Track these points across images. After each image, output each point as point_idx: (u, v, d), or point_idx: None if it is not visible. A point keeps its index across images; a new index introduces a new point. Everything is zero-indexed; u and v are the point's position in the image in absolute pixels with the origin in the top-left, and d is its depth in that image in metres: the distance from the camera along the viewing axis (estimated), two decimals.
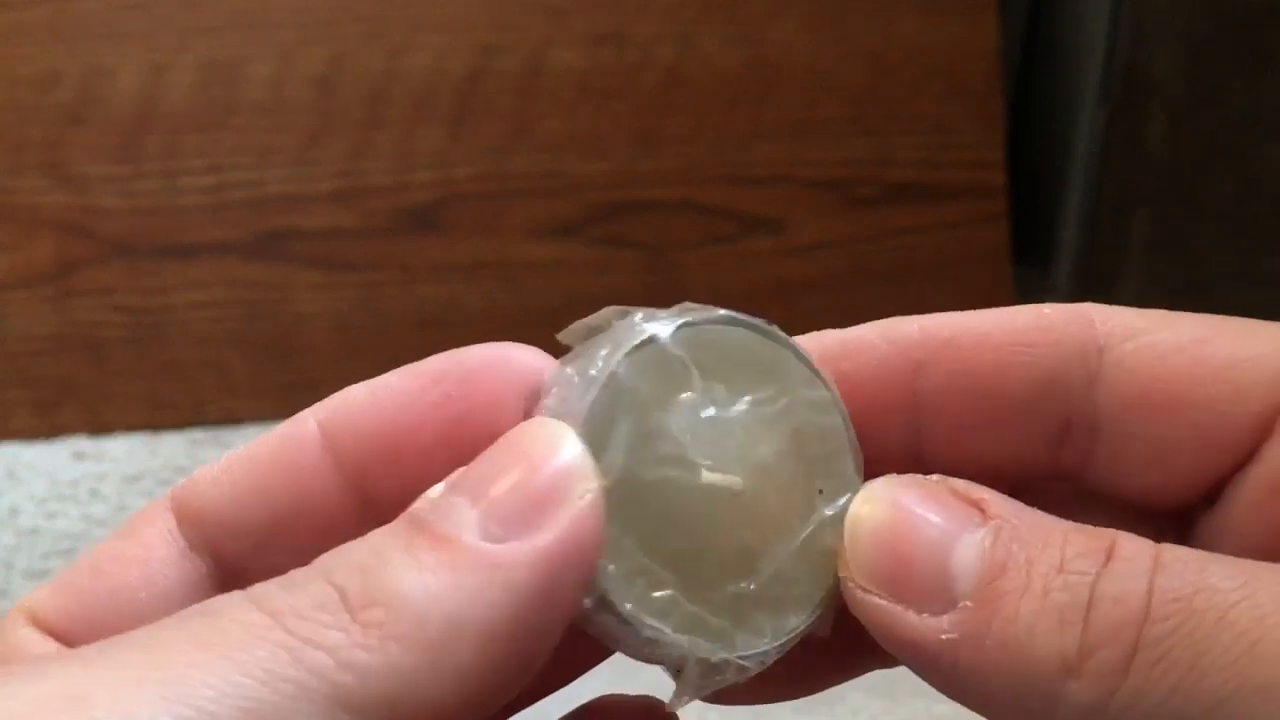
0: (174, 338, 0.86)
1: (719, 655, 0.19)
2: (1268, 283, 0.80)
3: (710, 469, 0.19)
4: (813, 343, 0.22)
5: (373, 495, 0.20)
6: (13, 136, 0.83)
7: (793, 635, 0.20)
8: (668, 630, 0.19)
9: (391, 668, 0.15)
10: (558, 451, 0.17)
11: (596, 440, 0.18)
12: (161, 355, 0.85)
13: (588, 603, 0.18)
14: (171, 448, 0.83)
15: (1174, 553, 0.17)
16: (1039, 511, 0.18)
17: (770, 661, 0.20)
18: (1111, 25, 0.95)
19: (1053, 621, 0.17)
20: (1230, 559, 0.17)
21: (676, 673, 0.19)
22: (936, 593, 0.18)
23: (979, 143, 0.96)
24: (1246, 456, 0.20)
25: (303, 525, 0.20)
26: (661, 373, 0.19)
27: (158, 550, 0.20)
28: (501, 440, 0.18)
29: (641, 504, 0.18)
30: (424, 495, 0.17)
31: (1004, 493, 0.19)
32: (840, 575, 0.19)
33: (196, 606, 0.16)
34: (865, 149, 0.94)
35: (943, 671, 0.18)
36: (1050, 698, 0.17)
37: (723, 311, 0.20)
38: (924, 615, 0.18)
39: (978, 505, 0.18)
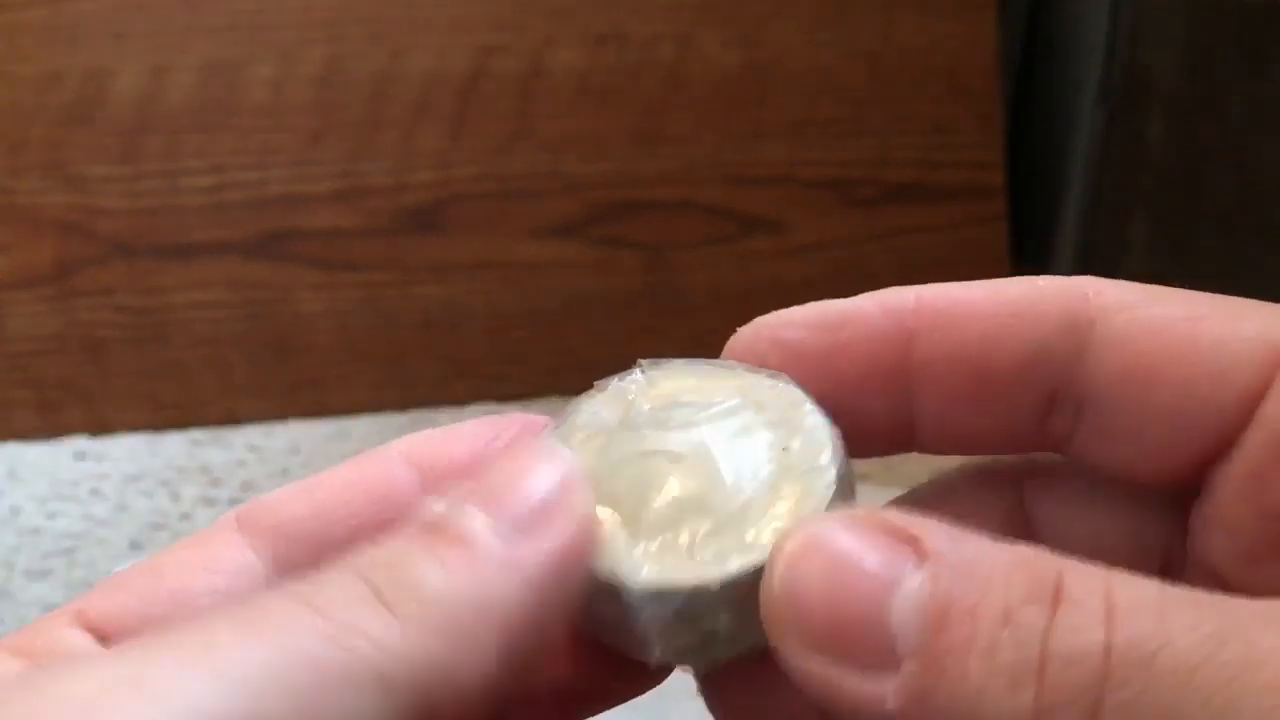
0: (175, 338, 0.86)
1: (661, 578, 0.19)
2: (1268, 282, 0.80)
3: (655, 440, 0.21)
4: (814, 311, 0.22)
5: None
6: (13, 136, 0.83)
7: (739, 572, 0.19)
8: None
9: (426, 653, 0.16)
10: (558, 467, 0.19)
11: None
12: (162, 355, 0.86)
13: None
14: (173, 448, 0.83)
15: (1128, 592, 0.16)
16: (979, 540, 0.17)
17: (719, 587, 0.19)
18: (1111, 25, 0.95)
19: (1003, 683, 0.16)
20: (1193, 598, 0.16)
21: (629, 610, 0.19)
22: (877, 653, 0.17)
23: (978, 143, 0.96)
24: (1226, 442, 0.19)
25: None
26: (622, 400, 0.22)
27: (224, 560, 0.21)
28: (508, 458, 0.19)
29: (599, 484, 0.20)
30: (428, 505, 0.19)
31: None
32: (771, 635, 0.18)
33: (240, 601, 0.17)
34: (865, 149, 0.94)
35: None
36: None
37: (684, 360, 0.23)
38: (866, 676, 0.17)
39: (912, 542, 0.17)
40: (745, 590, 0.19)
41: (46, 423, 0.85)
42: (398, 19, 0.87)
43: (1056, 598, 0.16)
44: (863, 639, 0.17)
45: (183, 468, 0.81)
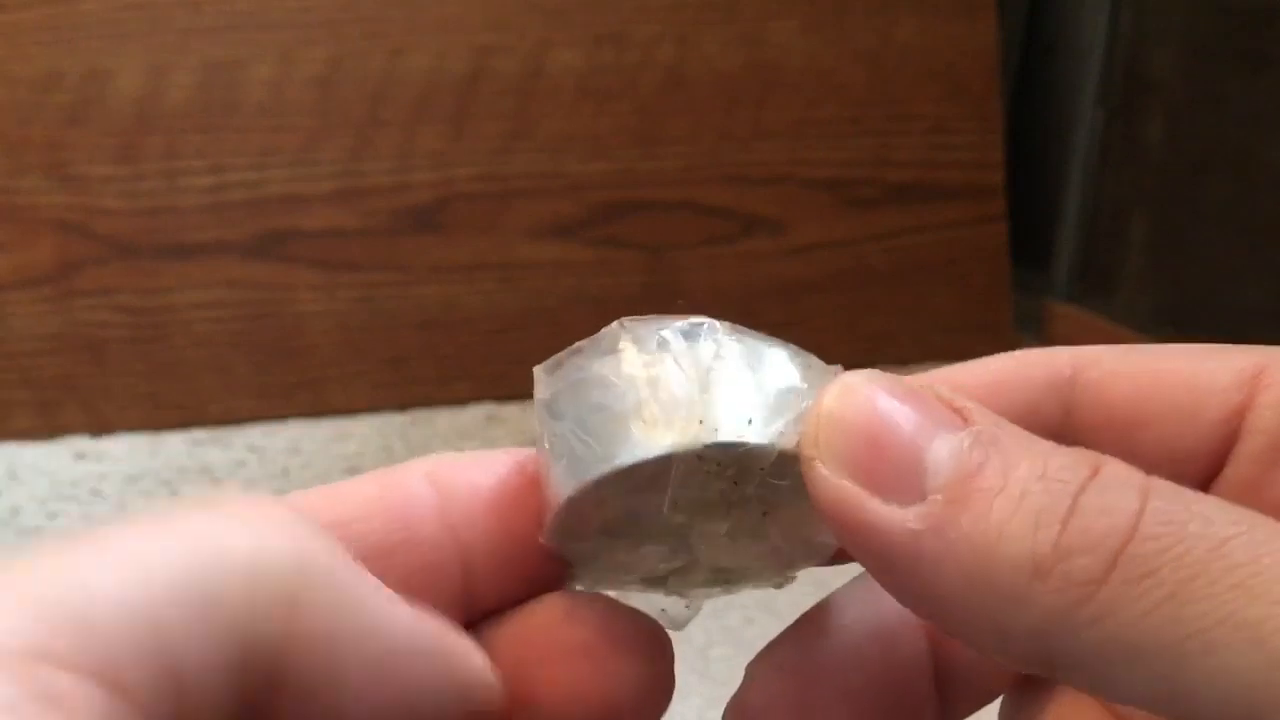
0: (175, 338, 0.86)
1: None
2: (1266, 282, 0.80)
3: None
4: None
5: (470, 545, 0.21)
6: (13, 136, 0.83)
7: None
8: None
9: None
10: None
11: None
12: (162, 355, 0.86)
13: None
14: (172, 448, 0.83)
15: (1166, 482, 0.17)
16: (1023, 430, 0.18)
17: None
18: (1111, 25, 0.95)
19: (1027, 522, 0.16)
20: (1225, 501, 0.17)
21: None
22: (907, 482, 0.17)
23: (978, 143, 0.96)
24: (1215, 466, 0.20)
25: (400, 558, 0.20)
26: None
27: None
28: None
29: None
30: None
31: None
32: (804, 454, 0.18)
33: None
34: (865, 149, 0.94)
35: (902, 566, 0.17)
36: (1013, 600, 0.16)
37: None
38: (890, 504, 0.17)
39: (961, 413, 0.18)
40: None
41: (46, 423, 0.85)
42: (398, 19, 0.87)
43: (1095, 471, 0.17)
44: (896, 468, 0.17)
45: (183, 468, 0.81)
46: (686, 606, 0.21)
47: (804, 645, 0.21)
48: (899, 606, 0.21)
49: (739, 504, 0.19)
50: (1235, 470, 0.20)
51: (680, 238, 0.91)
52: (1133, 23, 0.93)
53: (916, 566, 0.17)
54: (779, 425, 0.18)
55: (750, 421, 0.18)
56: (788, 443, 0.18)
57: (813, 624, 0.21)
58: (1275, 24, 0.79)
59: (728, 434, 0.18)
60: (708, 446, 0.18)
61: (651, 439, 0.18)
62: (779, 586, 0.21)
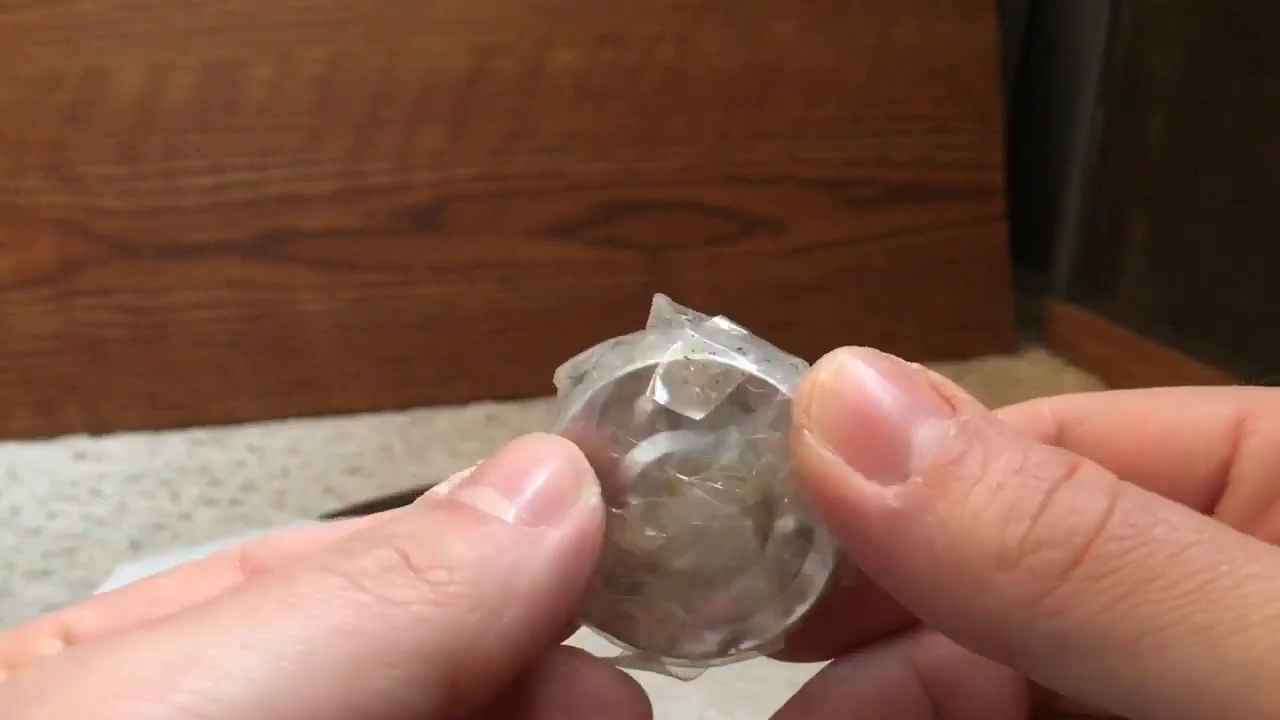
0: (175, 338, 0.86)
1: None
2: (1266, 282, 0.80)
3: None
4: None
5: None
6: (13, 136, 0.83)
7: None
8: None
9: (458, 623, 0.17)
10: (568, 460, 0.19)
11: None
12: (162, 355, 0.86)
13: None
14: (172, 448, 0.84)
15: (1137, 488, 0.17)
16: (1009, 426, 0.18)
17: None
18: (1110, 26, 0.95)
19: (1000, 513, 0.17)
20: (1191, 510, 0.17)
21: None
22: (890, 462, 0.17)
23: (978, 143, 0.96)
24: (1208, 513, 0.20)
25: None
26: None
27: (221, 589, 0.20)
28: (525, 447, 0.19)
29: None
30: (446, 483, 0.19)
31: None
32: (795, 422, 0.19)
33: (269, 574, 0.17)
34: (865, 149, 0.94)
35: (876, 542, 0.17)
36: (977, 587, 0.16)
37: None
38: (871, 481, 0.17)
39: (950, 401, 0.18)
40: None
41: (46, 423, 0.85)
42: (398, 19, 0.87)
43: (1071, 471, 0.17)
44: (881, 447, 0.18)
45: (183, 468, 0.81)
46: (691, 668, 0.21)
47: (807, 717, 0.21)
48: (900, 673, 0.21)
49: (721, 423, 0.20)
50: (1223, 518, 0.20)
51: (680, 238, 0.91)
52: (1133, 23, 0.93)
53: (890, 543, 0.17)
54: (766, 362, 0.20)
55: (740, 352, 0.20)
56: (771, 376, 0.19)
57: (814, 694, 0.22)
58: (1275, 24, 0.79)
59: (714, 353, 0.20)
60: (694, 353, 0.20)
61: (648, 358, 0.20)
62: (767, 650, 0.21)
